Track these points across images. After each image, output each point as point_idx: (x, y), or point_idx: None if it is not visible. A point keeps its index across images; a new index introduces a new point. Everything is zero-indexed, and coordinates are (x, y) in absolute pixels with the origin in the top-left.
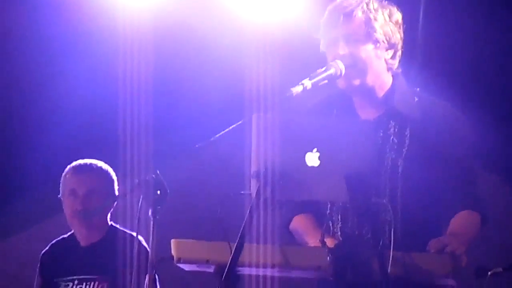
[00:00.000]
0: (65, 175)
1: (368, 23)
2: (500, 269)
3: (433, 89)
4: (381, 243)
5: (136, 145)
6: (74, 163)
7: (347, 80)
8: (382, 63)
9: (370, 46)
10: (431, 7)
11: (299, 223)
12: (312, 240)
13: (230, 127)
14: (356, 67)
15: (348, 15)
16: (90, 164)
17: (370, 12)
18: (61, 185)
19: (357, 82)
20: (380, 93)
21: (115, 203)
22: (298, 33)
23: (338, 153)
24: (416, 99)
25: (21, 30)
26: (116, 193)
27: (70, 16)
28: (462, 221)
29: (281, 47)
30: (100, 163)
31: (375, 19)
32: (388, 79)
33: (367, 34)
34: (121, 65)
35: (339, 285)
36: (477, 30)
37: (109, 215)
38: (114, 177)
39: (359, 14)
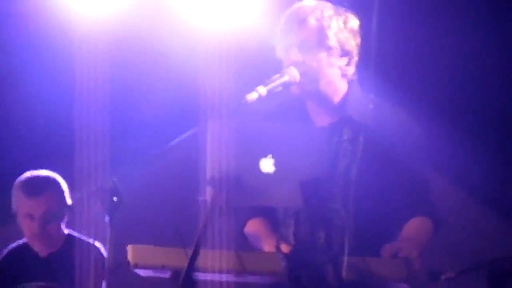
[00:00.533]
0: (17, 195)
1: (321, 30)
2: (453, 274)
3: (386, 95)
4: (335, 248)
5: (92, 152)
6: (22, 179)
7: (300, 86)
8: (335, 70)
9: (323, 54)
10: (384, 14)
11: (254, 227)
12: (267, 246)
13: (186, 134)
14: (309, 74)
15: (302, 22)
16: (39, 181)
17: (324, 19)
18: (13, 201)
19: (309, 88)
20: (335, 100)
21: (69, 211)
22: (252, 40)
23: (293, 159)
24: (371, 106)
25: None
26: (69, 201)
27: (24, 23)
28: (414, 227)
29: (235, 53)
30: (48, 176)
31: (329, 27)
32: (342, 86)
33: (320, 41)
34: (76, 73)
35: None
36: (430, 36)
37: (63, 224)
38: (64, 187)
39: (311, 21)
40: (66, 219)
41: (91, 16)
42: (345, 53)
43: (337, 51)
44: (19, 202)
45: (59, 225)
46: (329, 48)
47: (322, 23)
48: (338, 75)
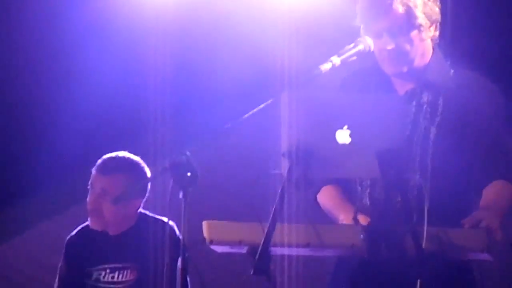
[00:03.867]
0: (93, 172)
1: (408, 12)
2: None
3: (461, 63)
4: (414, 218)
5: (164, 128)
6: (102, 158)
7: (395, 67)
8: (427, 42)
9: (414, 33)
10: None
11: (328, 196)
12: (345, 217)
13: (259, 107)
14: (405, 56)
15: (388, 9)
16: (111, 162)
17: (409, 0)
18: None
19: (405, 69)
20: (421, 66)
21: (141, 192)
22: (325, 11)
23: (369, 129)
24: (452, 71)
25: (38, 22)
26: (144, 183)
27: (87, 4)
28: (495, 194)
29: (308, 25)
30: (122, 157)
31: (415, 6)
32: (430, 52)
33: (409, 23)
34: (145, 47)
35: (373, 263)
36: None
37: (137, 204)
38: (139, 169)
39: (398, 6)
40: (140, 199)
41: None
42: (432, 22)
43: (426, 25)
44: (92, 179)
45: (129, 205)
46: (419, 26)
47: (408, 5)
48: (430, 46)
